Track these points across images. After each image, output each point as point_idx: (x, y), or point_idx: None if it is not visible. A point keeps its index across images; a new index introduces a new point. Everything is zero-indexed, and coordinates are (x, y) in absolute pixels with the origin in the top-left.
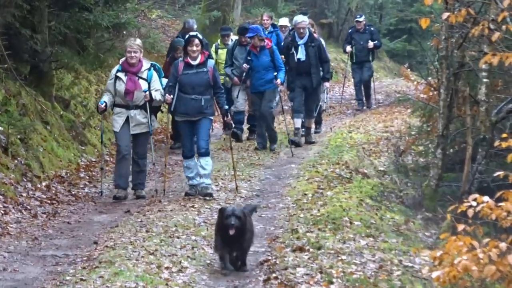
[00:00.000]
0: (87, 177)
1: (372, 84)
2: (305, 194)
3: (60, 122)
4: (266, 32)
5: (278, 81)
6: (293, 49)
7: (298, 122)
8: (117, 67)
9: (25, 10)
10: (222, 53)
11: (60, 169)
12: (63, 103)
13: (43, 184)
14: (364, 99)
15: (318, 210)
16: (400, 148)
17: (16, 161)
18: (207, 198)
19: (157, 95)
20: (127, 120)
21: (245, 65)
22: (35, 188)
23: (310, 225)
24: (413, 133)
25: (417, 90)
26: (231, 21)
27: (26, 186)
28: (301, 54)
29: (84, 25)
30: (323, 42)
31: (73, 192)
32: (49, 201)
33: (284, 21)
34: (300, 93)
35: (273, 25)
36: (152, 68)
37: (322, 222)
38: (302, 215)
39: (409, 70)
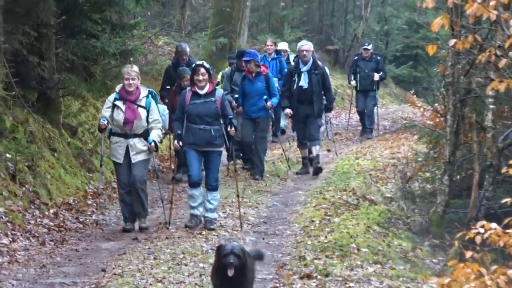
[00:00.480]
0: (95, 204)
1: (375, 114)
2: (313, 221)
3: (67, 149)
4: (269, 59)
5: (269, 103)
6: (295, 76)
7: (305, 152)
8: (113, 95)
9: (33, 37)
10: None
11: (68, 196)
12: (70, 130)
13: (51, 211)
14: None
15: (326, 237)
16: (407, 175)
17: (24, 188)
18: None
19: (158, 137)
20: (127, 150)
21: (234, 105)
22: (43, 215)
23: (318, 252)
24: (419, 159)
25: (424, 117)
26: (237, 48)
27: (34, 213)
28: (303, 82)
29: (91, 52)
30: (327, 70)
31: (80, 219)
32: (57, 229)
33: (283, 45)
34: (302, 123)
35: (277, 51)
36: (149, 95)
37: (329, 249)
38: (309, 242)
39: (415, 96)
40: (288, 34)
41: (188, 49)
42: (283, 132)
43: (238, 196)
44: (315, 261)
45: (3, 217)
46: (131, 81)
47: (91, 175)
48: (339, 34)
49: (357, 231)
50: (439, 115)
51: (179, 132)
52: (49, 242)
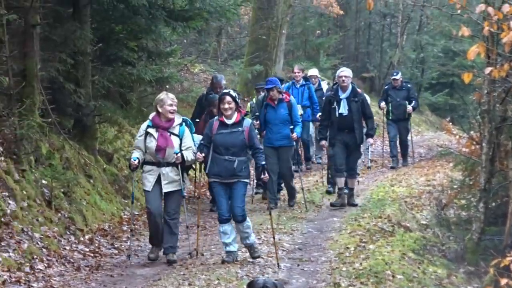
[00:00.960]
0: (130, 230)
1: (410, 142)
2: (348, 248)
3: (103, 176)
4: (298, 86)
5: (294, 135)
6: (335, 104)
7: (341, 182)
8: (146, 122)
9: (69, 64)
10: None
11: (103, 222)
12: (106, 157)
13: (86, 237)
14: (399, 155)
15: (361, 263)
16: (442, 202)
17: (59, 214)
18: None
19: (189, 155)
20: (158, 178)
21: (255, 122)
22: (78, 241)
23: (353, 279)
24: (455, 186)
25: (459, 144)
26: (273, 75)
27: (70, 239)
28: (343, 109)
29: (127, 79)
30: (367, 98)
31: (115, 245)
32: (92, 254)
33: (313, 72)
34: (342, 149)
35: (305, 78)
36: (183, 123)
37: (364, 275)
38: (344, 269)
39: (451, 124)
40: (323, 62)
41: (223, 81)
42: (307, 160)
43: (270, 212)
44: (350, 287)
45: (39, 242)
46: (174, 107)
47: (126, 201)
48: (375, 62)
49: (392, 258)
50: (474, 142)
51: (201, 145)
52: (84, 268)
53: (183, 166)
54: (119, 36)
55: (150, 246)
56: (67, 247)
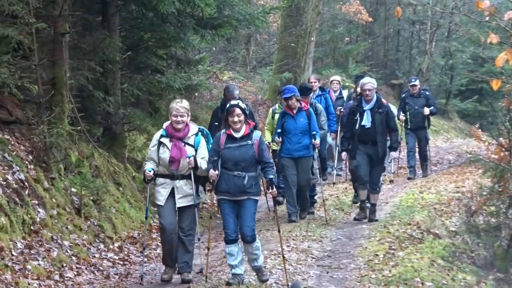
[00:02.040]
0: (159, 238)
1: (428, 152)
2: (377, 255)
3: (132, 184)
4: (314, 96)
5: (317, 141)
6: (357, 115)
7: (363, 194)
8: (160, 132)
9: (98, 72)
10: None
11: (133, 230)
12: (135, 165)
13: (116, 245)
14: (418, 165)
15: (390, 270)
16: (471, 209)
17: (89, 222)
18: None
19: (202, 163)
20: (172, 192)
21: (277, 139)
22: (108, 249)
23: (382, 286)
24: (484, 193)
25: (488, 151)
26: (302, 82)
27: (99, 247)
28: (366, 121)
29: (157, 87)
30: (393, 108)
31: (145, 253)
32: (121, 262)
33: (336, 77)
34: (366, 161)
35: (321, 88)
36: (200, 133)
37: (393, 282)
38: (373, 276)
39: (480, 130)
40: (352, 69)
41: (236, 92)
42: (324, 169)
43: (279, 231)
44: None
45: (68, 250)
46: (179, 118)
47: (155, 209)
48: (403, 69)
49: (422, 265)
50: (503, 149)
51: (212, 162)
52: (113, 275)
53: (197, 178)
54: (148, 44)
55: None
56: (97, 255)
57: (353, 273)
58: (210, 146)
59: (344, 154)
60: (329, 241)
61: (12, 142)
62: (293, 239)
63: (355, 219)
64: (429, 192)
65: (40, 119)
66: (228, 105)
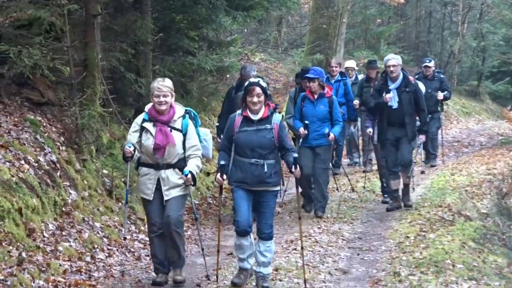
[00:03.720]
0: (190, 220)
1: (440, 137)
2: (408, 237)
3: None
4: (333, 81)
5: (331, 136)
6: (384, 94)
7: (395, 184)
8: (142, 115)
9: (130, 54)
10: None
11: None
12: None
13: (147, 226)
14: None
15: (421, 252)
16: (502, 191)
17: (120, 204)
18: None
19: (197, 168)
20: (158, 184)
21: (301, 130)
22: (139, 230)
23: (413, 268)
24: None
25: None
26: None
27: (130, 228)
28: (393, 101)
29: (188, 69)
30: (421, 86)
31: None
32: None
33: (350, 63)
34: (394, 149)
35: (341, 73)
36: (187, 115)
37: (424, 265)
38: (404, 258)
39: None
40: (384, 51)
41: (253, 73)
42: (336, 165)
43: (299, 218)
44: (410, 277)
45: (100, 232)
46: (162, 98)
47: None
48: (435, 51)
49: (452, 247)
50: None
51: (223, 162)
52: (144, 257)
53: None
54: (179, 26)
55: (212, 235)
56: (128, 237)
57: (384, 255)
58: (198, 129)
59: (369, 129)
60: (360, 223)
61: (44, 124)
62: (324, 221)
63: (387, 209)
64: (460, 174)
65: (72, 100)
66: (247, 83)
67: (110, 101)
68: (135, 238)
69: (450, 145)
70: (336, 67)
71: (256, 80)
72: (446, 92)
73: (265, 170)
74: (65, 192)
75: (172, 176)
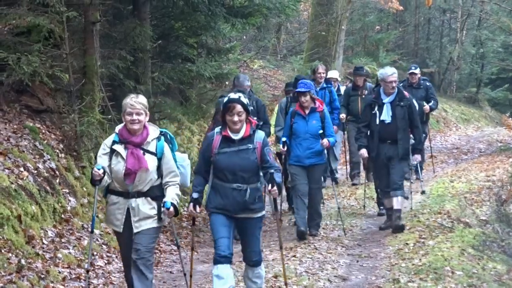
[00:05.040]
0: (189, 227)
1: (425, 150)
2: (407, 244)
3: None
4: (318, 88)
5: (325, 141)
6: (376, 109)
7: (389, 202)
8: (112, 136)
9: (129, 61)
10: None
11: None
12: None
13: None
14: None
15: (420, 259)
16: (502, 197)
17: None
18: None
19: (177, 198)
20: (128, 214)
21: (281, 148)
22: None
23: (412, 275)
24: None
25: None
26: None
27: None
28: (386, 115)
29: (187, 76)
30: (415, 102)
31: (174, 241)
32: (175, 252)
33: (333, 74)
34: (385, 169)
35: (327, 81)
36: (162, 137)
37: (423, 271)
38: (403, 265)
39: (510, 119)
40: (383, 58)
41: (247, 82)
42: (332, 175)
43: (281, 248)
44: (409, 284)
45: (99, 239)
46: (134, 116)
47: (185, 197)
48: (434, 57)
49: (452, 254)
50: None
51: (196, 196)
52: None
53: (160, 196)
54: (178, 33)
55: (211, 241)
56: (176, 237)
57: (383, 262)
58: (175, 154)
59: (363, 151)
60: (359, 230)
61: (43, 131)
62: (324, 228)
63: (380, 228)
64: (459, 181)
65: (71, 107)
66: (226, 99)
67: (109, 108)
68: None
69: (449, 152)
70: (323, 72)
71: (236, 96)
72: (432, 102)
73: (247, 196)
74: (64, 199)
75: (143, 206)
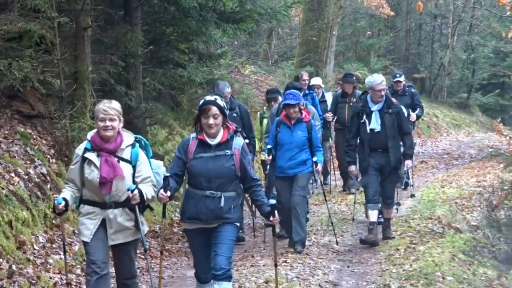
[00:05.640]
0: (180, 232)
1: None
2: (398, 249)
3: None
4: (301, 94)
5: (319, 166)
6: (364, 117)
7: (373, 215)
8: (83, 144)
9: (120, 67)
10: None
11: (154, 224)
12: (157, 159)
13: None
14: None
15: (411, 265)
16: (492, 203)
17: None
18: None
19: (148, 191)
20: (102, 225)
21: (265, 157)
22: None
23: (403, 280)
24: (505, 187)
25: (510, 145)
26: (323, 76)
27: None
28: (375, 123)
29: (178, 81)
30: (403, 109)
31: (166, 247)
32: (142, 256)
33: (316, 81)
34: (375, 176)
35: (309, 87)
36: (137, 144)
37: (414, 277)
38: (394, 270)
39: (501, 124)
40: (374, 63)
41: (228, 89)
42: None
43: (275, 266)
44: None
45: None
46: (108, 122)
47: (177, 203)
48: (425, 63)
49: (442, 259)
50: None
51: (168, 174)
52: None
53: (140, 206)
54: (170, 38)
55: None
56: (145, 241)
57: (374, 267)
58: (150, 161)
59: (353, 168)
60: (350, 235)
61: (34, 136)
62: (314, 234)
63: (361, 241)
64: (450, 187)
65: (62, 113)
66: (202, 101)
67: None
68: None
69: (440, 157)
70: (307, 80)
71: (212, 98)
72: (418, 110)
73: (221, 204)
74: None
75: (120, 216)
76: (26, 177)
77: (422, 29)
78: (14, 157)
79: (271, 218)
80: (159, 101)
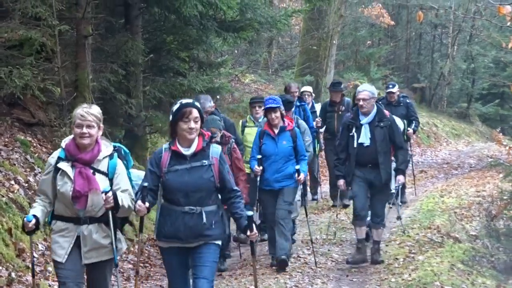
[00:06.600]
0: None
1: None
2: (397, 259)
3: None
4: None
5: (302, 176)
6: (353, 130)
7: (361, 232)
8: (57, 152)
9: (120, 75)
10: (250, 133)
11: (153, 232)
12: None
13: (136, 247)
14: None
15: (409, 274)
16: (492, 213)
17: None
18: None
19: (124, 199)
20: (76, 243)
21: (256, 168)
22: (128, 251)
23: None
24: (505, 197)
25: (509, 155)
26: (323, 85)
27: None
28: (364, 137)
29: (178, 89)
30: (398, 121)
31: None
32: (142, 264)
33: (307, 88)
34: (364, 189)
35: (299, 98)
36: (115, 154)
37: (413, 286)
38: (393, 280)
39: (501, 134)
40: (374, 72)
41: (210, 103)
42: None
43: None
44: None
45: None
46: (85, 129)
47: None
48: (425, 72)
49: (441, 269)
50: None
51: (146, 184)
52: (133, 277)
53: (115, 219)
54: (170, 47)
55: None
56: (117, 257)
57: (373, 277)
58: (130, 171)
59: (341, 182)
60: (349, 244)
61: (34, 144)
62: (313, 243)
63: (347, 262)
64: (449, 196)
65: (62, 121)
66: (179, 104)
67: None
68: (125, 259)
69: (439, 167)
70: (296, 92)
71: (190, 100)
72: (414, 124)
73: (204, 220)
74: None
75: (96, 233)
76: (26, 184)
77: (422, 38)
78: (14, 164)
79: (248, 233)
80: (159, 110)
